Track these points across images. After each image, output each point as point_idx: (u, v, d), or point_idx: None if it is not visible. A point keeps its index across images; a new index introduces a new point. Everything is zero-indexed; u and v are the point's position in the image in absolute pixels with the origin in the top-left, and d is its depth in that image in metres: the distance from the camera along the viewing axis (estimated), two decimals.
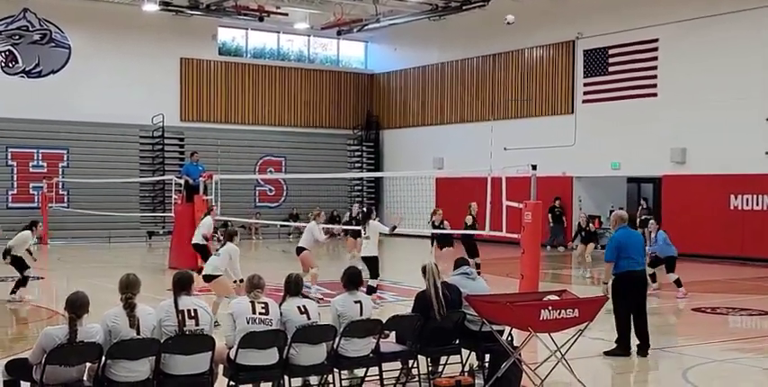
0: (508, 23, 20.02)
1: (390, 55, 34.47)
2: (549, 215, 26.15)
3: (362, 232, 14.74)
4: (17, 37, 28.20)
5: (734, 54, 22.89)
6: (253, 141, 32.30)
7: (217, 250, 12.43)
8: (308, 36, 34.27)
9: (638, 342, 9.95)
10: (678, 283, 15.25)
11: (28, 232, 15.35)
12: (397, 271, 19.02)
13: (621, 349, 9.90)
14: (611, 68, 25.95)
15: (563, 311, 7.68)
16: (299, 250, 15.37)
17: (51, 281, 18.41)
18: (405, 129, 33.63)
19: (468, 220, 17.00)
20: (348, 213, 21.58)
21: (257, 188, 32.55)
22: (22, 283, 14.73)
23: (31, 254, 15.60)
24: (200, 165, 21.37)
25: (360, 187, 34.51)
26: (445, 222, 17.43)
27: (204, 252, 15.83)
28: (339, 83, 34.60)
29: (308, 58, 34.66)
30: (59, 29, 28.84)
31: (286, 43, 34.16)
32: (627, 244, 9.92)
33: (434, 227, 17.49)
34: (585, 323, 7.93)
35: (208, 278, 11.81)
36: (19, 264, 14.78)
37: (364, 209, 15.37)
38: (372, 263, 14.18)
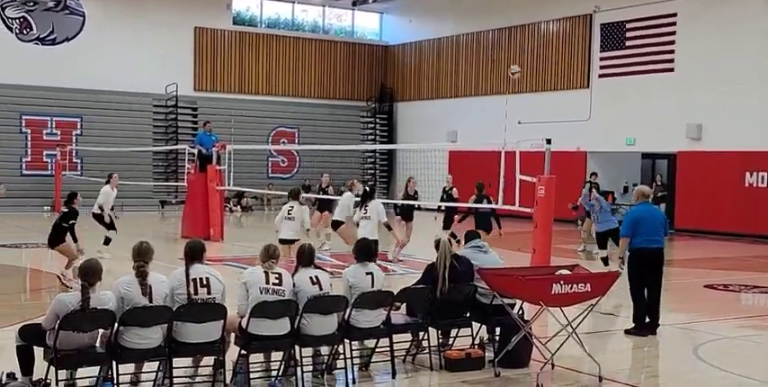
0: (512, 74, 19.45)
1: (405, 27, 34.23)
2: (613, 192, 25.55)
3: (362, 211, 13.91)
4: (31, 3, 28.12)
5: (752, 30, 22.65)
6: (266, 112, 32.24)
7: (289, 214, 13.16)
8: (323, 6, 34.07)
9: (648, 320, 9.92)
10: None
11: (108, 187, 16.09)
12: (409, 244, 19.01)
13: (638, 328, 9.85)
14: (628, 43, 25.71)
15: (575, 286, 7.66)
16: (336, 224, 15.19)
17: None
18: (418, 101, 33.48)
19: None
20: (318, 185, 19.58)
21: (270, 159, 32.55)
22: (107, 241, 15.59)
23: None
24: (214, 134, 21.36)
25: (372, 159, 34.46)
26: (454, 190, 17.59)
27: (101, 221, 15.99)
28: (353, 54, 34.42)
29: (322, 29, 34.47)
30: None
31: (301, 14, 33.97)
32: (643, 220, 9.75)
33: (448, 196, 17.69)
34: (597, 298, 7.91)
35: (287, 242, 12.63)
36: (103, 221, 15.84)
37: (367, 188, 14.80)
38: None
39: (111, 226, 15.94)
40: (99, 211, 15.98)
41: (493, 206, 15.04)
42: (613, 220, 15.62)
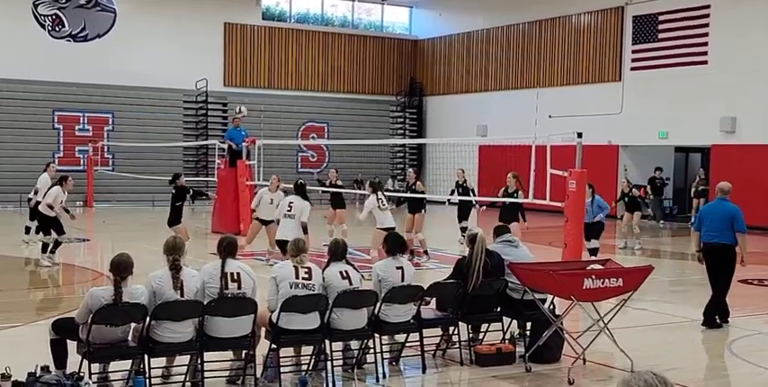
0: None
1: (435, 21, 34.12)
2: (649, 187, 25.23)
3: (381, 203, 13.83)
4: (63, 1, 28.38)
5: None
6: (296, 107, 32.31)
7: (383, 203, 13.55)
8: (353, 1, 34.05)
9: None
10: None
11: (57, 187, 14.34)
12: (439, 239, 18.99)
13: (705, 321, 9.99)
14: (660, 35, 25.42)
15: (606, 281, 7.60)
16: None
17: (97, 243, 18.68)
18: (448, 95, 33.37)
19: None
20: (328, 181, 19.01)
21: (299, 154, 32.61)
22: (56, 245, 14.10)
23: (68, 212, 14.74)
24: (243, 130, 21.41)
25: (402, 154, 34.41)
26: (467, 182, 17.78)
27: (50, 224, 14.23)
28: (383, 49, 34.38)
29: (351, 24, 34.45)
30: None
31: (330, 8, 33.97)
32: (705, 215, 10.06)
33: (463, 190, 17.78)
34: (629, 293, 7.83)
35: (280, 243, 12.25)
36: (55, 224, 14.10)
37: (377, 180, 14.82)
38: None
39: (60, 229, 14.26)
40: (50, 213, 14.21)
41: (520, 200, 14.90)
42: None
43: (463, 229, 17.84)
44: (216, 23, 30.80)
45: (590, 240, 14.68)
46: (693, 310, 10.47)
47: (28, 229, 16.11)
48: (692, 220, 23.67)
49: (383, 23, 35.13)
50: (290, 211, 12.82)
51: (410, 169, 19.36)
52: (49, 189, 14.62)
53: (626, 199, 18.72)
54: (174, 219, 14.99)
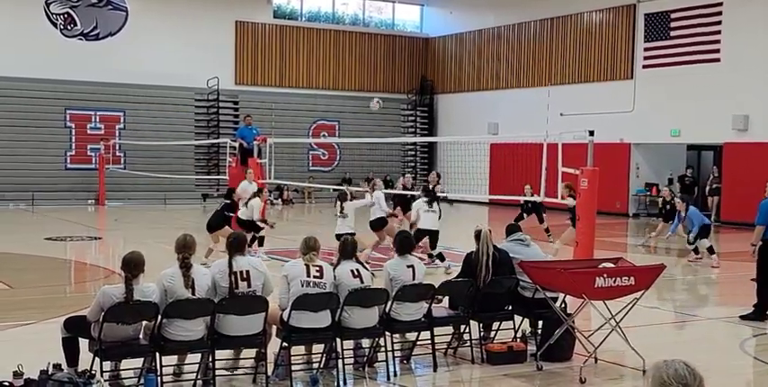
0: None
1: (446, 19, 34.07)
2: (678, 185, 25.26)
3: (428, 207, 14.23)
4: (75, 0, 28.47)
5: None
6: (307, 105, 32.32)
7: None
8: None
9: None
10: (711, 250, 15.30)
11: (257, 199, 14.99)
12: (451, 236, 18.97)
13: (756, 314, 10.02)
14: (672, 33, 25.30)
15: (618, 279, 7.57)
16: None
17: (108, 241, 18.73)
18: (459, 93, 33.33)
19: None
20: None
21: (310, 152, 32.64)
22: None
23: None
24: (255, 128, 21.47)
25: (413, 152, 34.39)
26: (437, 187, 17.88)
27: None
28: (394, 47, 34.35)
29: (362, 22, 34.44)
30: None
31: (341, 7, 33.96)
32: None
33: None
34: (641, 291, 7.80)
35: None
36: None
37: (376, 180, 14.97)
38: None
39: None
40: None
41: (536, 199, 14.89)
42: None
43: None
44: (227, 22, 30.84)
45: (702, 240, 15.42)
46: (706, 309, 10.44)
47: None
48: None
49: (394, 22, 35.11)
50: (431, 208, 14.00)
51: (433, 172, 19.25)
52: None
53: (667, 207, 17.85)
54: (217, 225, 14.39)
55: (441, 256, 13.95)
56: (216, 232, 14.14)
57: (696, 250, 15.74)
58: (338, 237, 13.24)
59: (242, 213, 14.94)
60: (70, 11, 28.42)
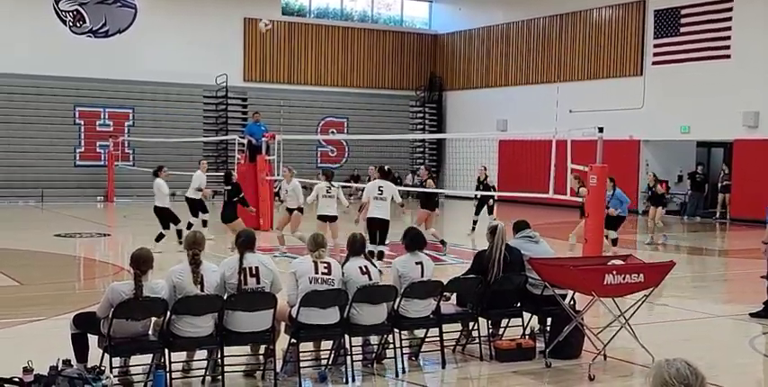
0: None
1: (454, 15, 34.01)
2: (689, 181, 25.35)
3: (377, 193, 13.53)
4: None
5: None
6: (315, 102, 32.33)
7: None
8: None
9: None
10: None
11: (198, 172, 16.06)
12: (459, 234, 18.95)
13: (766, 311, 9.98)
14: (682, 29, 25.21)
15: (627, 276, 7.54)
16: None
17: (117, 237, 18.77)
18: (468, 90, 33.28)
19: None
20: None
21: (319, 149, 32.66)
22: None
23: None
24: (263, 125, 21.46)
25: (422, 149, 34.36)
26: (489, 179, 18.42)
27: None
28: (402, 43, 34.32)
29: (371, 19, 34.41)
30: None
31: (349, 3, 33.95)
32: None
33: (484, 187, 18.17)
34: (651, 289, 7.77)
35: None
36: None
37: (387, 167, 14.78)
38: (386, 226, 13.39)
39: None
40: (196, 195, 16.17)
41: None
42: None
43: (474, 222, 19.05)
44: (236, 19, 30.86)
45: (609, 231, 14.78)
46: (715, 306, 10.40)
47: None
48: (717, 214, 23.75)
49: (402, 18, 35.07)
50: (381, 193, 13.38)
51: (422, 167, 19.62)
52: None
53: (650, 193, 18.64)
54: (231, 214, 14.78)
55: (381, 255, 13.13)
56: (232, 223, 14.34)
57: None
58: (323, 218, 13.73)
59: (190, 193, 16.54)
60: (79, 8, 28.47)
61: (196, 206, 17.05)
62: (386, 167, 14.44)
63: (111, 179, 28.08)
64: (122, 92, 29.07)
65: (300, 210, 15.07)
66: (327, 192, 13.95)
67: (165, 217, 15.17)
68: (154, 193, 15.54)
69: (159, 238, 14.88)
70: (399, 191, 14.48)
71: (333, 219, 13.86)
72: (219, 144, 30.08)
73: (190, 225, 16.27)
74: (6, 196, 26.78)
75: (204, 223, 17.06)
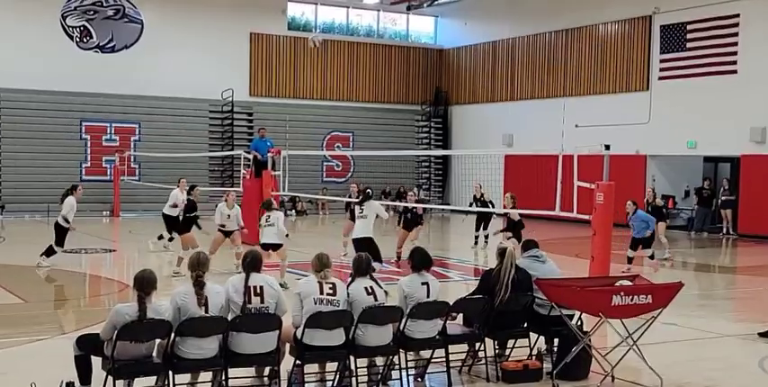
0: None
1: (460, 30, 34.06)
2: (696, 197, 25.26)
3: (358, 212, 13.84)
4: (91, 12, 28.63)
5: None
6: (321, 117, 32.34)
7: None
8: (378, 11, 34.08)
9: None
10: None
11: (72, 198, 15.47)
12: (463, 249, 18.89)
13: None
14: (689, 44, 25.17)
15: (636, 297, 7.48)
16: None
17: (122, 253, 18.74)
18: (474, 105, 33.28)
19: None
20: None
21: (324, 163, 32.65)
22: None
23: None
24: (269, 140, 21.45)
25: (428, 164, 34.34)
26: (485, 196, 19.41)
27: (62, 233, 15.28)
28: (408, 58, 34.37)
29: (377, 34, 34.48)
30: (132, 4, 29.18)
31: (355, 18, 34.02)
32: None
33: (482, 203, 18.68)
34: (659, 309, 7.70)
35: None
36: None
37: (368, 190, 14.71)
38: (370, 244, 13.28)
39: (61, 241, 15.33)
40: (65, 224, 15.30)
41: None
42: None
43: (477, 238, 19.50)
44: (242, 34, 30.94)
45: (636, 249, 15.62)
46: (725, 325, 10.31)
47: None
48: (724, 230, 23.64)
49: (408, 33, 35.13)
50: (361, 212, 13.67)
51: (412, 190, 20.29)
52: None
53: (649, 208, 18.19)
54: (183, 228, 15.29)
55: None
56: (182, 236, 14.94)
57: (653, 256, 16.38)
58: (264, 246, 13.23)
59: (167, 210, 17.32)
60: (86, 24, 28.58)
61: (171, 222, 17.35)
62: (368, 191, 14.29)
63: (116, 194, 28.09)
64: (129, 107, 29.12)
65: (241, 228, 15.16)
66: (267, 220, 13.60)
67: (171, 224, 16.84)
68: (167, 200, 17.51)
69: (160, 238, 16.97)
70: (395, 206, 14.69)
71: (276, 247, 13.44)
72: (225, 159, 30.10)
73: (161, 237, 17.87)
74: (13, 211, 26.81)
75: (171, 239, 17.66)
